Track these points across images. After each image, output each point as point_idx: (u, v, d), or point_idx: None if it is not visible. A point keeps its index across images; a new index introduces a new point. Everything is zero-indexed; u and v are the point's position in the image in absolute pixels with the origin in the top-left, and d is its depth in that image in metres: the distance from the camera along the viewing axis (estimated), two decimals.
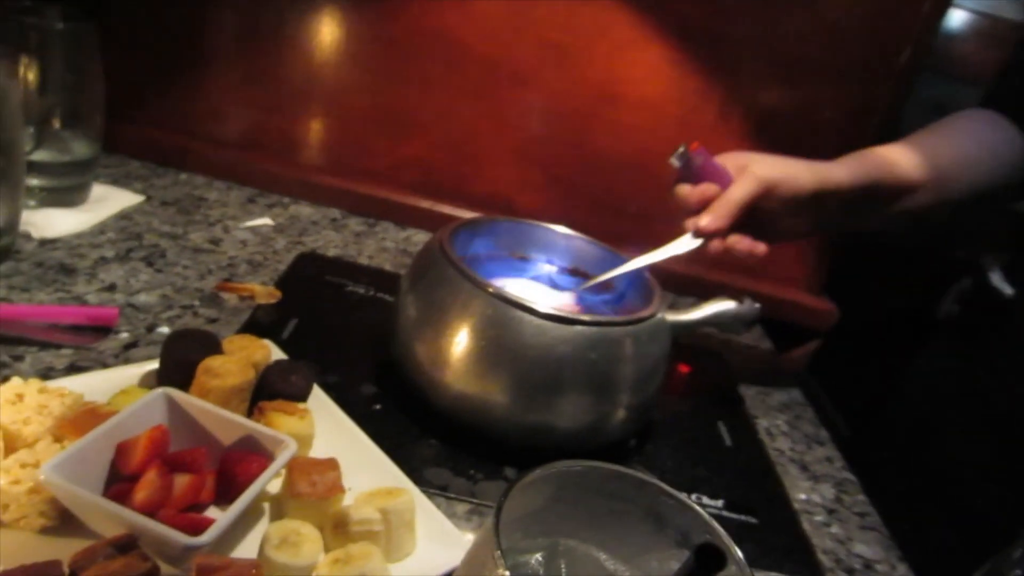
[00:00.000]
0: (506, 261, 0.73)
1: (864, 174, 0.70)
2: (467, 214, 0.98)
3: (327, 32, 0.92)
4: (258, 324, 0.68)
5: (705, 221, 0.66)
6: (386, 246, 0.91)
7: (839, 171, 0.70)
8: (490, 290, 0.57)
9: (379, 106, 0.95)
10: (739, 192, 0.66)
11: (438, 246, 0.63)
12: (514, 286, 0.69)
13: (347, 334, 0.71)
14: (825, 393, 1.25)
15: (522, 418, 0.59)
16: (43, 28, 0.70)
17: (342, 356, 0.67)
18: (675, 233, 0.70)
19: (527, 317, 0.56)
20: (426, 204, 0.98)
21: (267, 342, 0.57)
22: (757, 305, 0.73)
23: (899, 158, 0.73)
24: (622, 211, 1.00)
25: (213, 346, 0.54)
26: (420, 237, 0.96)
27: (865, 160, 0.72)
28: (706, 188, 0.68)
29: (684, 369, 0.83)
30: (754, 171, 0.67)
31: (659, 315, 0.64)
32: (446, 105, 0.95)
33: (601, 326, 0.58)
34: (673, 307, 0.68)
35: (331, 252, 0.86)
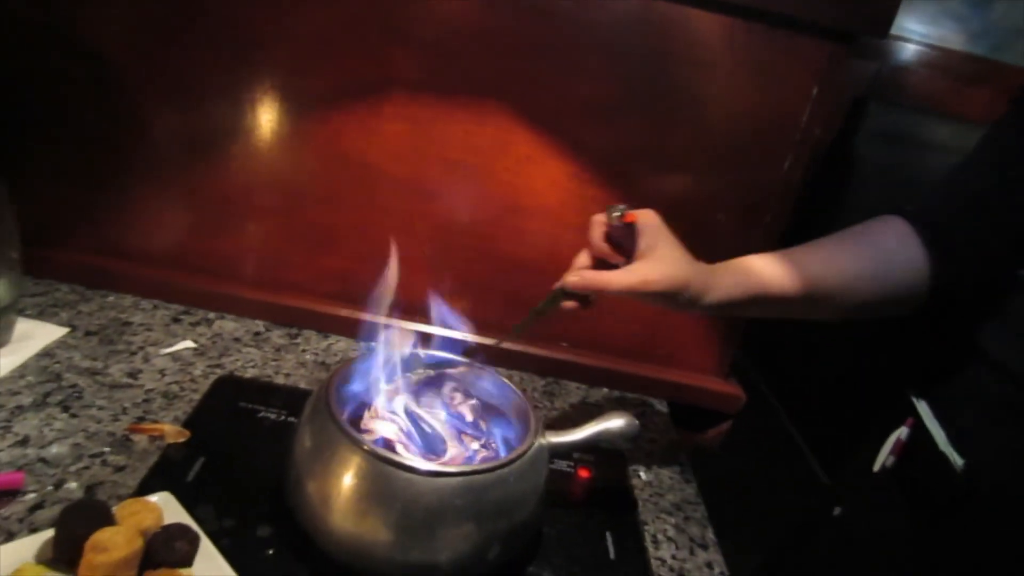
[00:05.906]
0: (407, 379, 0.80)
1: (741, 289, 0.74)
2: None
3: (245, 157, 0.97)
4: (165, 467, 0.73)
5: (571, 279, 0.74)
6: (305, 359, 0.96)
7: (717, 290, 0.73)
8: (365, 448, 0.63)
9: (297, 223, 1.00)
10: (616, 284, 0.71)
11: (324, 396, 0.68)
12: (402, 415, 0.75)
13: (252, 471, 0.75)
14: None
15: (405, 558, 0.64)
16: None
17: (243, 496, 0.72)
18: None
19: (395, 471, 0.62)
20: (346, 312, 1.03)
21: (158, 503, 0.62)
22: (637, 422, 0.79)
23: (765, 269, 0.75)
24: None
25: (104, 518, 0.58)
26: (340, 345, 1.02)
27: (736, 272, 0.75)
28: (604, 252, 0.76)
29: (584, 474, 0.88)
30: (645, 274, 0.71)
31: (535, 444, 0.70)
32: (360, 220, 1.00)
33: (465, 475, 0.63)
34: (564, 427, 0.73)
35: (249, 373, 0.91)
